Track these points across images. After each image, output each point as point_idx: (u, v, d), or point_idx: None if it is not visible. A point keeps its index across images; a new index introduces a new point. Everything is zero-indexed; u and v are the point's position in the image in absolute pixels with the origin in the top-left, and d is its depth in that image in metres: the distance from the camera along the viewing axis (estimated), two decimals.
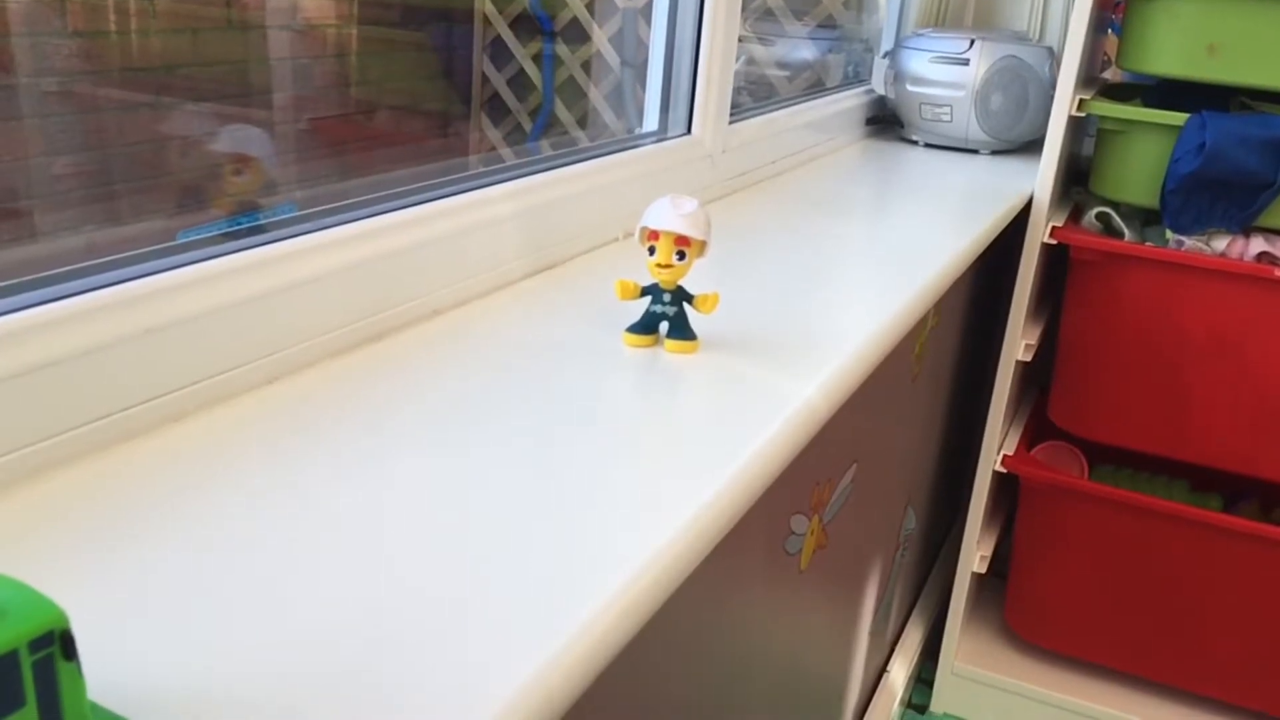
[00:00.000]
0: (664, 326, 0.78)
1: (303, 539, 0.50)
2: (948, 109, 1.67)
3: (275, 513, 0.52)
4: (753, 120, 1.34)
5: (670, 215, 0.76)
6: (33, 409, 0.53)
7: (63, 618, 0.32)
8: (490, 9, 2.20)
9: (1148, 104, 1.46)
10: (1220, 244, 1.43)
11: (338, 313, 0.71)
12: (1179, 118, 1.38)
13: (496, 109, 2.24)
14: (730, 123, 1.25)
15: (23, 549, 0.48)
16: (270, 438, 0.60)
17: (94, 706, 0.37)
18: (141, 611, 0.45)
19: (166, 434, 0.59)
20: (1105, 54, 1.85)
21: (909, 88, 1.71)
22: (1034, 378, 1.88)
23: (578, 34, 2.20)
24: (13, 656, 0.31)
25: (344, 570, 0.48)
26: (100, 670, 0.41)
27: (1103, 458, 1.76)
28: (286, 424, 0.61)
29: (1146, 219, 1.53)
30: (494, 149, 2.29)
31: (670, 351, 0.77)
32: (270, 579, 0.47)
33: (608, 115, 2.19)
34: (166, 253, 0.63)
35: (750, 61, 1.87)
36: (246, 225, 0.70)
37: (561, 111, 2.23)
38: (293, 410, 0.63)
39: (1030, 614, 1.73)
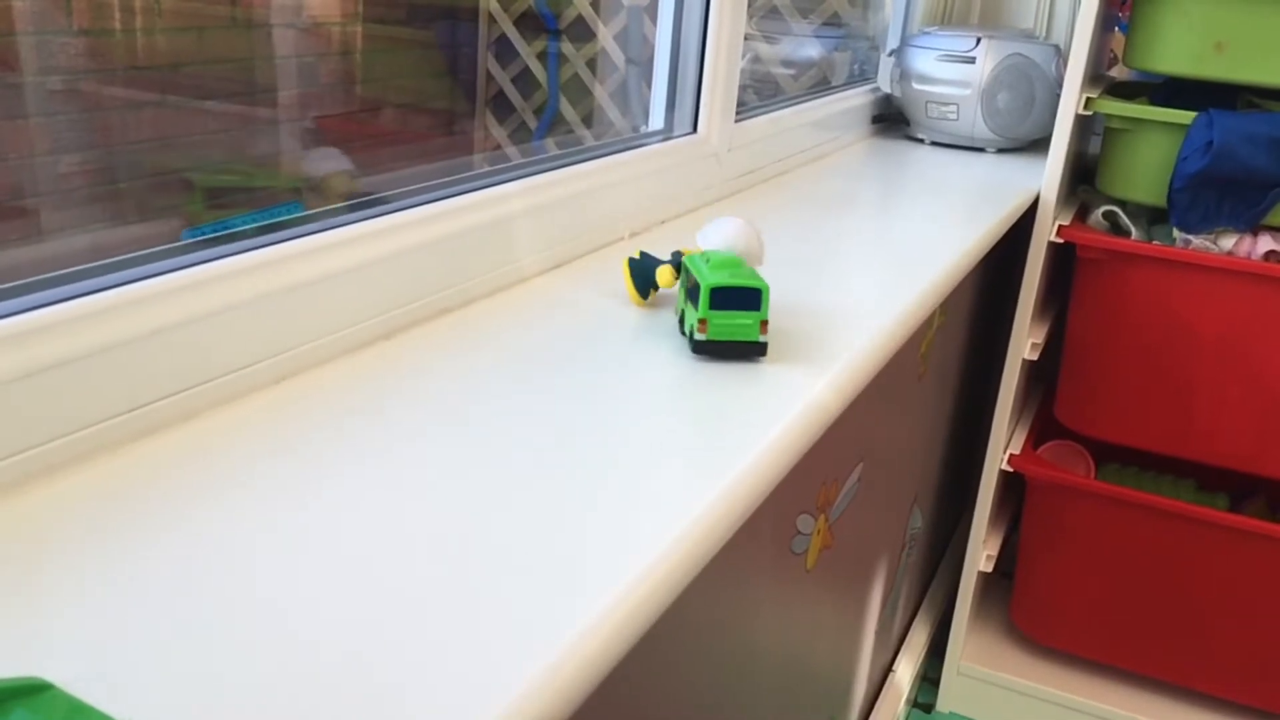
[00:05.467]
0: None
1: (312, 538, 0.50)
2: (954, 107, 1.67)
3: (284, 512, 0.52)
4: (759, 118, 1.34)
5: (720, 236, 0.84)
6: (42, 409, 0.53)
7: None
8: (495, 7, 2.20)
9: (1155, 102, 1.46)
10: (1228, 242, 1.43)
11: (346, 312, 0.71)
12: (1186, 116, 1.38)
13: (501, 107, 2.24)
14: (736, 121, 1.25)
15: (33, 548, 0.48)
16: (279, 437, 0.59)
17: (96, 712, 0.37)
18: (146, 614, 0.45)
19: (176, 434, 0.59)
20: (1112, 52, 1.85)
21: (915, 86, 1.70)
22: (1040, 377, 1.88)
23: (583, 32, 2.20)
24: None
25: (353, 569, 0.48)
26: (102, 672, 0.41)
27: (1109, 456, 1.76)
28: (296, 423, 0.61)
29: (1153, 217, 1.52)
30: (499, 147, 2.29)
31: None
32: (278, 579, 0.47)
33: (613, 113, 2.19)
34: (174, 253, 0.63)
35: (756, 60, 1.87)
36: (253, 225, 0.70)
37: (566, 110, 2.23)
38: (302, 409, 0.63)
39: (1036, 613, 1.72)
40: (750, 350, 0.75)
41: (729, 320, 0.74)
